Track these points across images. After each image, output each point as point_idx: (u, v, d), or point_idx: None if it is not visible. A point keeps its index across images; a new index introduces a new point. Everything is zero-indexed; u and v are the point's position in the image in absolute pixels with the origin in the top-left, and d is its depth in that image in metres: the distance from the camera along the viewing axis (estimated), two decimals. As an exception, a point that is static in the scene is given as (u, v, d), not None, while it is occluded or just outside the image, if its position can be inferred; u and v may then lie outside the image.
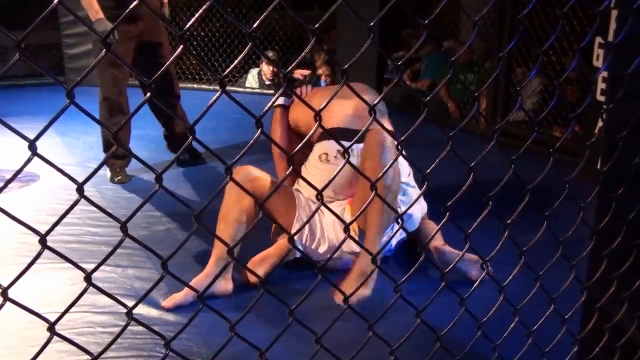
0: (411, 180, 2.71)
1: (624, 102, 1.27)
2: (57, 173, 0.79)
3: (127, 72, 3.70)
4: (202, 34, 6.77)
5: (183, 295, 2.27)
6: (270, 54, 6.59)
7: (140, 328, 0.93)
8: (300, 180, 2.69)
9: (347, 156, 0.99)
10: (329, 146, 2.64)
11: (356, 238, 2.44)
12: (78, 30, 6.20)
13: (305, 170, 2.70)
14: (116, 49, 3.79)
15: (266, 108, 0.90)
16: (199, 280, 2.31)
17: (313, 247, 2.44)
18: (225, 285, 2.38)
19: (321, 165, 2.62)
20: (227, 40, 6.75)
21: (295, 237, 2.37)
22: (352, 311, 1.07)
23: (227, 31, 6.68)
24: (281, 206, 2.47)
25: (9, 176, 0.79)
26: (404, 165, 2.60)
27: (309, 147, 2.75)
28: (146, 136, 4.28)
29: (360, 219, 2.27)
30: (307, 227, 2.45)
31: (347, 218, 2.42)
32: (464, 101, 5.47)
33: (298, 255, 2.34)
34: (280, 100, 2.91)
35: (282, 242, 2.50)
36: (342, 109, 2.64)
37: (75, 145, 4.36)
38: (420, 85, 5.96)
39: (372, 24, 1.00)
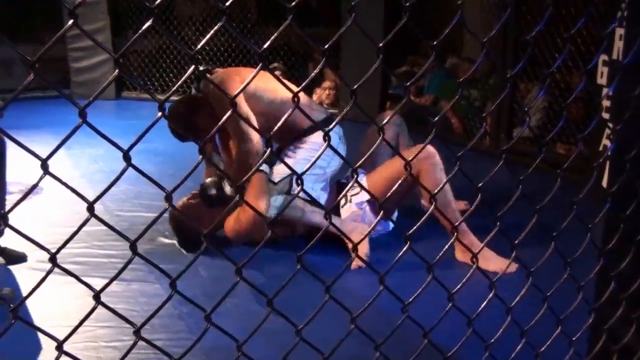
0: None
1: (631, 123, 1.27)
2: (61, 186, 0.79)
3: None
4: (207, 48, 6.81)
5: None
6: (275, 64, 6.62)
7: (144, 343, 0.93)
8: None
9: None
10: None
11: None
12: (84, 44, 6.24)
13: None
14: None
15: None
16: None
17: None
18: None
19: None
20: (231, 55, 6.78)
21: None
22: (359, 331, 1.07)
23: (232, 45, 6.71)
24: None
25: (13, 188, 0.79)
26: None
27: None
28: (152, 150, 4.29)
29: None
30: None
31: None
32: (467, 117, 5.48)
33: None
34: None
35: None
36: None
37: (81, 157, 4.37)
38: (424, 100, 5.97)
39: (381, 44, 1.01)
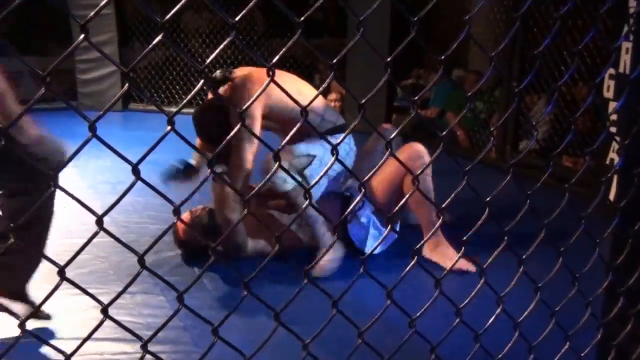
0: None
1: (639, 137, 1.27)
2: (67, 197, 0.79)
3: None
4: (213, 59, 6.84)
5: None
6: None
7: (149, 357, 0.92)
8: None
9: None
10: None
11: None
12: (91, 56, 6.28)
13: None
14: None
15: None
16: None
17: None
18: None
19: None
20: (238, 67, 6.80)
21: None
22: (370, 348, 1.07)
23: (239, 58, 6.73)
24: None
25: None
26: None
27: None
28: (157, 161, 4.28)
29: None
30: None
31: None
32: (473, 129, 5.48)
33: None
34: None
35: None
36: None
37: (87, 169, 4.38)
38: (430, 113, 5.98)
39: (389, 59, 1.01)
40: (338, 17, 6.95)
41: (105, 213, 0.82)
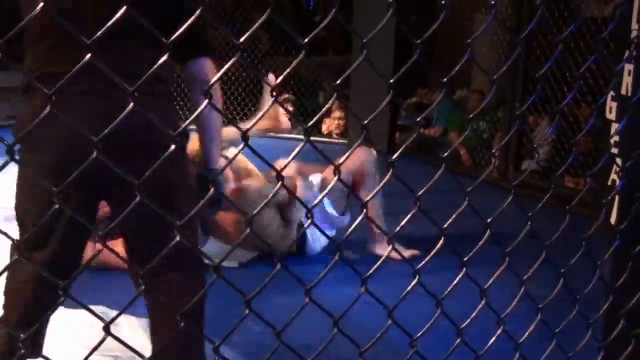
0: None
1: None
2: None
3: None
4: (217, 77, 6.88)
5: None
6: (285, 95, 6.65)
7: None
8: None
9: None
10: None
11: None
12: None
13: None
14: None
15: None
16: None
17: None
18: None
19: None
20: (242, 84, 6.83)
21: None
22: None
23: (243, 75, 6.77)
24: None
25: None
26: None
27: None
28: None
29: None
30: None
31: None
32: (476, 149, 5.49)
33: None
34: None
35: None
36: None
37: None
38: (433, 132, 6.00)
39: (392, 80, 1.02)
40: (342, 34, 6.98)
41: (109, 231, 0.83)
